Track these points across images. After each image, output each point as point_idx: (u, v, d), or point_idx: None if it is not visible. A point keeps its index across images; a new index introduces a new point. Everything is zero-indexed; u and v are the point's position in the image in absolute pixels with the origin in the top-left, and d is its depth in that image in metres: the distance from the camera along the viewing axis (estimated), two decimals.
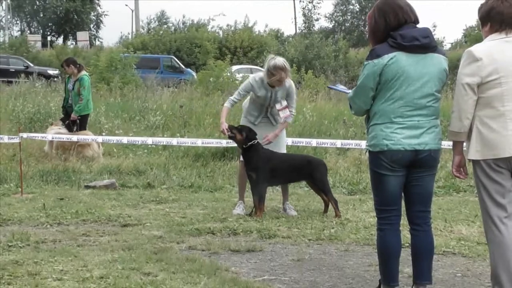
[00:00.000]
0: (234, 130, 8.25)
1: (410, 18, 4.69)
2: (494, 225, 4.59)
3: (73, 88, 13.11)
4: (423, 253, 4.87)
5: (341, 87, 5.57)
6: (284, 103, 8.34)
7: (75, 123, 13.11)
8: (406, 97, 4.61)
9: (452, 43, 47.57)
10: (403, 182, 4.76)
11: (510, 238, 4.54)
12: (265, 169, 8.16)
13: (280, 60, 8.20)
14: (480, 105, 4.56)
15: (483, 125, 4.55)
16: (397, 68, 4.58)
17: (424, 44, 4.62)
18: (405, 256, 5.56)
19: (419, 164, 4.69)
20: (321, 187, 8.45)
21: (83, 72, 13.42)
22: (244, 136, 8.20)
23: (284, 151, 8.66)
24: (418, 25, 4.75)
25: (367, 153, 4.85)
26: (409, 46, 4.59)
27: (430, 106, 4.68)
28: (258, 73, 8.54)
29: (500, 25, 4.60)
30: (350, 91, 5.23)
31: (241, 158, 8.51)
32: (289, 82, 8.41)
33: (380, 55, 4.60)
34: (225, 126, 8.21)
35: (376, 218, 4.93)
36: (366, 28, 5.11)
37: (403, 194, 4.86)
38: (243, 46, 45.06)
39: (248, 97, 8.60)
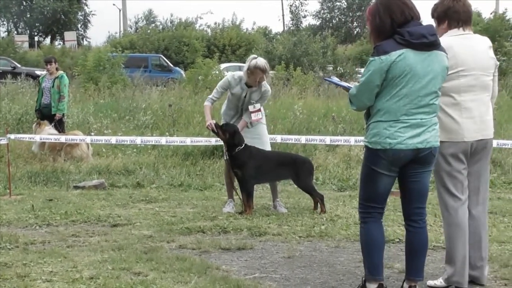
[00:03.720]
0: (218, 129, 8.26)
1: (416, 15, 4.65)
2: (448, 208, 5.13)
3: (52, 86, 13.17)
4: (418, 250, 4.87)
5: (335, 79, 5.53)
6: (257, 106, 8.39)
7: (62, 122, 13.17)
8: (411, 94, 4.57)
9: None
10: (394, 182, 4.76)
11: (464, 221, 5.08)
12: (250, 166, 8.16)
13: (261, 61, 8.23)
14: (441, 93, 4.93)
15: (441, 111, 4.96)
16: (405, 65, 4.52)
17: (432, 41, 4.59)
18: (396, 252, 5.58)
19: (419, 161, 4.67)
20: (304, 186, 8.46)
21: (61, 71, 13.56)
22: (226, 136, 8.20)
23: (268, 145, 8.65)
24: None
25: (364, 149, 4.80)
26: (417, 43, 4.54)
27: (432, 104, 4.66)
28: (238, 72, 8.56)
29: (458, 22, 5.11)
30: (345, 84, 5.20)
31: (224, 158, 8.54)
32: (266, 87, 8.43)
33: (388, 51, 4.53)
34: (212, 122, 8.26)
35: (359, 211, 4.91)
36: (366, 25, 4.97)
37: (399, 191, 4.86)
38: (231, 44, 45.05)
39: (226, 100, 8.67)
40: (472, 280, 5.28)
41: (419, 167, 4.72)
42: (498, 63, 5.32)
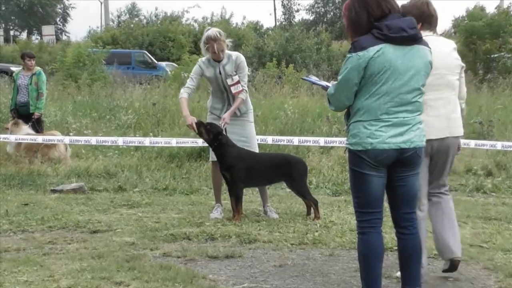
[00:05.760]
0: (202, 128, 8.20)
1: (394, 8, 4.64)
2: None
3: (30, 83, 13.13)
4: (411, 257, 4.86)
5: (314, 78, 5.53)
6: (236, 78, 8.37)
7: (40, 121, 13.14)
8: (392, 92, 4.56)
9: (440, 34, 47.92)
10: (385, 182, 4.73)
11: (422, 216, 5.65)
12: (240, 168, 8.13)
13: (213, 31, 8.33)
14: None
15: None
16: (384, 61, 4.51)
17: (412, 35, 4.58)
18: (394, 260, 5.57)
19: (403, 163, 4.66)
20: (298, 189, 8.44)
21: (38, 67, 13.57)
22: (210, 137, 8.15)
23: (256, 148, 8.64)
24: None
25: (347, 152, 4.78)
26: (396, 37, 4.53)
27: (416, 102, 4.65)
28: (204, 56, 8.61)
29: (430, 25, 5.68)
30: (323, 83, 5.20)
31: (211, 158, 8.50)
32: (236, 54, 8.50)
33: (366, 47, 4.52)
34: (192, 119, 8.21)
35: (356, 221, 4.85)
36: (343, 20, 5.12)
37: (386, 196, 4.83)
38: None
39: (211, 95, 8.67)
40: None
41: (405, 170, 4.70)
42: (463, 65, 5.86)
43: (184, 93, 8.43)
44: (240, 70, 8.41)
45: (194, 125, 8.17)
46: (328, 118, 15.10)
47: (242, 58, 8.50)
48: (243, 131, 8.48)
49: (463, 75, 5.88)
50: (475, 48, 29.26)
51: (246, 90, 8.45)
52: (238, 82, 8.35)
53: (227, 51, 8.42)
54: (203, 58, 8.51)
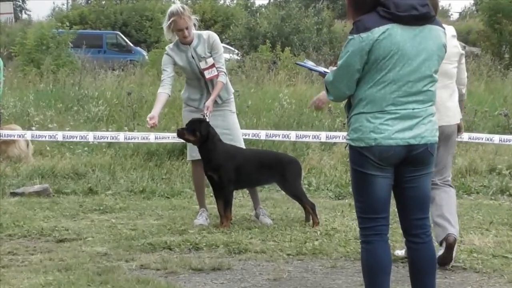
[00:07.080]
0: (187, 136, 8.25)
1: None
2: None
3: None
4: (425, 269, 4.82)
5: (310, 63, 5.54)
6: (210, 60, 8.42)
7: None
8: (400, 80, 4.53)
9: (460, 12, 47.92)
10: (392, 184, 4.71)
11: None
12: (229, 168, 8.16)
13: (175, 6, 8.40)
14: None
15: None
16: (391, 44, 4.48)
17: (423, 14, 4.55)
18: (405, 273, 5.60)
19: (413, 161, 4.63)
20: (292, 191, 8.48)
21: None
22: (198, 136, 8.16)
23: (241, 142, 8.68)
24: None
25: (348, 148, 4.75)
26: (405, 16, 4.50)
27: (427, 91, 4.62)
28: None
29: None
30: (321, 68, 5.20)
31: (190, 157, 8.56)
32: (207, 33, 8.59)
33: (370, 28, 4.48)
34: (154, 123, 8.27)
35: (359, 228, 4.84)
36: None
37: (394, 200, 4.83)
38: (205, 19, 44.92)
39: (185, 85, 8.75)
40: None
41: (415, 170, 4.68)
42: (463, 52, 6.54)
43: (161, 88, 8.55)
44: (214, 50, 8.46)
45: (152, 124, 8.26)
46: (331, 110, 15.07)
47: (215, 36, 8.57)
48: (225, 122, 8.50)
49: (463, 61, 6.62)
50: (500, 28, 29.31)
51: (225, 73, 8.49)
52: (213, 65, 8.39)
53: (196, 31, 8.48)
54: (170, 45, 8.56)
